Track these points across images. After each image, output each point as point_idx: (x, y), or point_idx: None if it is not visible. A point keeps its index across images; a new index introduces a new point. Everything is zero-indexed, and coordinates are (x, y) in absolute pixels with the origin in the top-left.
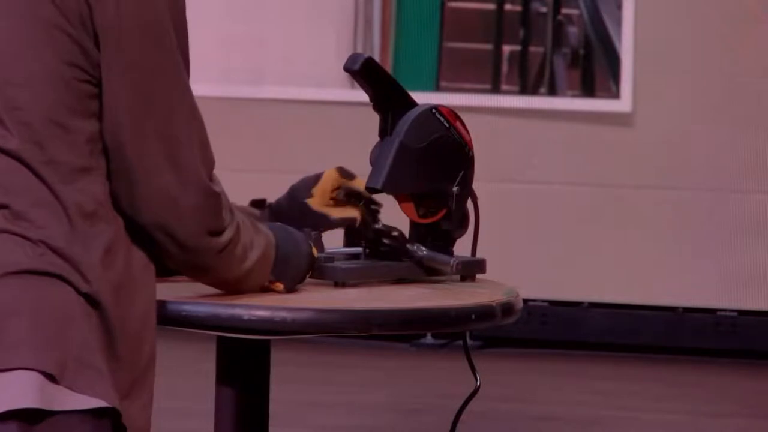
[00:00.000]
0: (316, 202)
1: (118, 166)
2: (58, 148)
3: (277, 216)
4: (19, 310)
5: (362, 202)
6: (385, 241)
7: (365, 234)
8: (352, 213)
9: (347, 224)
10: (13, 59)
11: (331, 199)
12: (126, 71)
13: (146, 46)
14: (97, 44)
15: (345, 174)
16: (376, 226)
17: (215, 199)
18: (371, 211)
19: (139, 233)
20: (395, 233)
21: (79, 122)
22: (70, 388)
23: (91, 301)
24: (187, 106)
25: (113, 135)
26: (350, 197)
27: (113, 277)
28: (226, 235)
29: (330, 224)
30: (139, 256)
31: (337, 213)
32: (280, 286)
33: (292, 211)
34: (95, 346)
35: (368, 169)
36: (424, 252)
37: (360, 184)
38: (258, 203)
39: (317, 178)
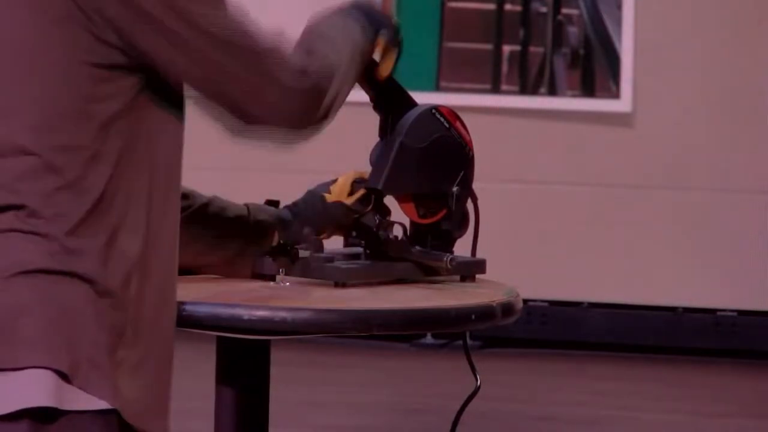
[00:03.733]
0: (332, 197)
1: (215, 105)
2: (67, 137)
3: (295, 215)
4: (31, 310)
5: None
6: (381, 233)
7: (368, 222)
8: (363, 192)
9: (362, 207)
10: (18, 51)
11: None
12: (177, 40)
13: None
14: (116, 29)
15: (360, 175)
16: (378, 217)
17: (305, 77)
18: (381, 204)
19: (165, 215)
20: (396, 228)
21: (90, 109)
22: (82, 389)
23: (102, 291)
24: (240, 27)
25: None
26: (362, 183)
27: (124, 264)
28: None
29: (347, 211)
30: (160, 242)
31: (351, 199)
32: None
33: (309, 207)
34: (106, 343)
35: (369, 169)
36: (419, 248)
37: None
38: (272, 204)
39: (333, 181)
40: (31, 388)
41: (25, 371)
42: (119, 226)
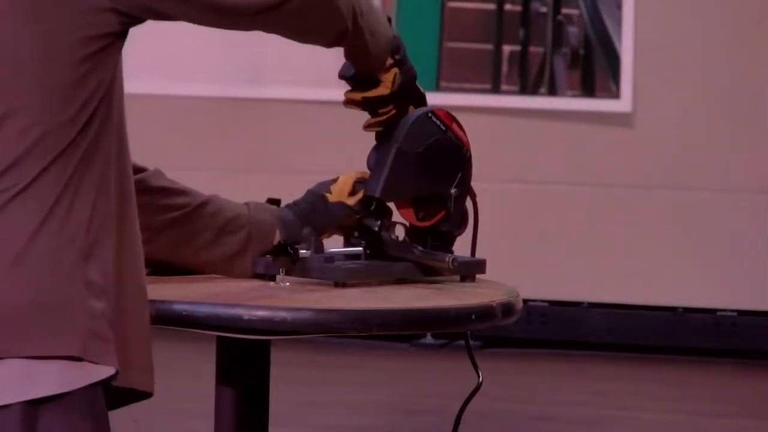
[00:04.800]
0: (333, 197)
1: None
2: (59, 110)
3: (296, 215)
4: (26, 300)
5: None
6: (383, 234)
7: (370, 224)
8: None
9: (363, 209)
10: (8, 23)
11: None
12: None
13: None
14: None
15: (361, 175)
16: (379, 221)
17: None
18: (384, 206)
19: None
20: (398, 229)
21: (80, 82)
22: (93, 362)
23: (87, 255)
24: None
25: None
26: (363, 183)
27: (102, 220)
28: None
29: (349, 212)
30: (130, 201)
31: (352, 199)
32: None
33: (311, 207)
34: (102, 310)
35: (367, 169)
36: (420, 249)
37: None
38: (273, 202)
39: (334, 180)
40: (48, 377)
41: (37, 361)
42: (98, 187)
